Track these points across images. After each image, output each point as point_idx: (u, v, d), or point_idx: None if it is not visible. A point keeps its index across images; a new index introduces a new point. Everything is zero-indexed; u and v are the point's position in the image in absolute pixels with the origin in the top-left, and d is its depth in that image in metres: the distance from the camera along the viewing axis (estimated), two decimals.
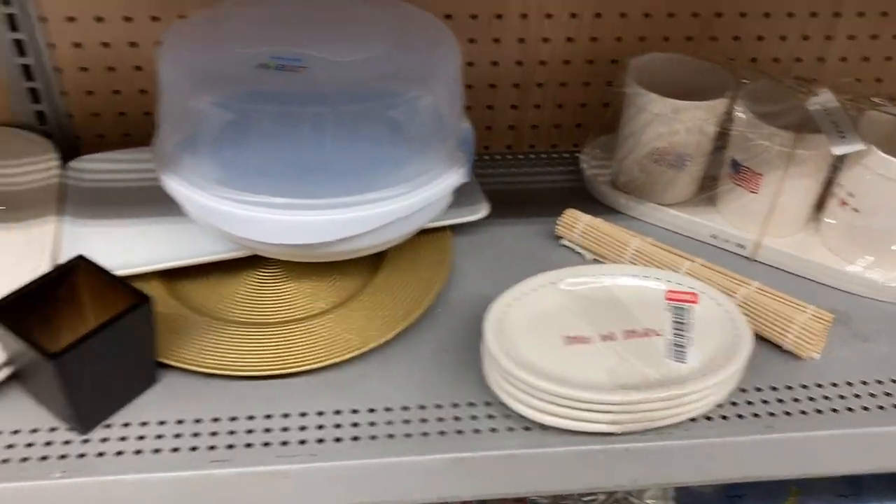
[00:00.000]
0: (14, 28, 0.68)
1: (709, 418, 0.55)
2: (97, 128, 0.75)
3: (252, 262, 0.64)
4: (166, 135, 0.59)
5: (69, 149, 0.73)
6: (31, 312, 0.52)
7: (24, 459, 0.50)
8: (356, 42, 0.58)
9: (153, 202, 0.66)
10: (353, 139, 0.55)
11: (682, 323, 0.57)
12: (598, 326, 0.56)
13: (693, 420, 0.54)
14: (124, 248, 0.62)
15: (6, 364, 0.53)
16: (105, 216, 0.65)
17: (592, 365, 0.53)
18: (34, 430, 0.52)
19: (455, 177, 0.60)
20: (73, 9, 0.68)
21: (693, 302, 0.58)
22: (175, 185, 0.58)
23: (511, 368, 0.51)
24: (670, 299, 0.58)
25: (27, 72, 0.71)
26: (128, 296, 0.52)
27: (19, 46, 0.69)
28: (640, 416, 0.51)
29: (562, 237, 0.69)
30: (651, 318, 0.57)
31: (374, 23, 0.60)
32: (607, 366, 0.53)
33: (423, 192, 0.58)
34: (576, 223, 0.67)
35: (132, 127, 0.76)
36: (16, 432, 0.52)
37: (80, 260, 0.54)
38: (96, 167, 0.70)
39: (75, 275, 0.54)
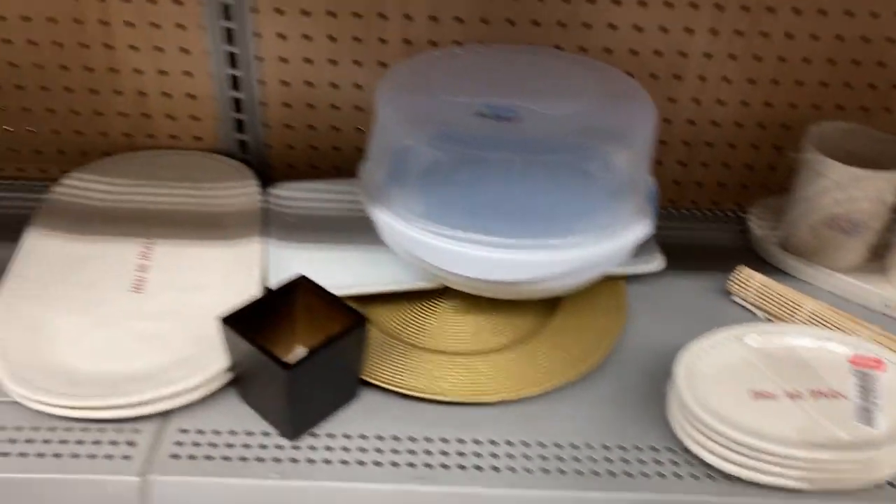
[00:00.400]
0: (233, 65, 0.75)
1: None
2: (290, 159, 0.82)
3: (438, 294, 0.68)
4: (376, 168, 0.64)
5: (263, 176, 0.79)
6: (254, 323, 0.57)
7: (243, 459, 0.54)
8: (561, 97, 0.62)
9: (349, 230, 0.71)
10: (553, 187, 0.59)
11: (868, 388, 0.57)
12: (784, 384, 0.57)
13: (891, 485, 0.54)
14: (325, 271, 0.66)
15: (229, 369, 0.58)
16: (305, 240, 0.70)
17: (780, 421, 0.55)
18: (249, 433, 0.57)
19: (641, 228, 0.63)
20: (287, 51, 0.74)
21: (879, 369, 0.59)
22: (381, 215, 0.62)
23: (702, 416, 0.53)
24: (855, 364, 0.59)
25: (237, 105, 0.78)
26: (346, 316, 0.56)
27: (234, 82, 0.76)
28: (833, 476, 0.52)
29: (733, 293, 0.70)
30: (836, 381, 0.58)
31: (577, 79, 0.64)
32: (795, 423, 0.55)
33: (613, 241, 0.61)
34: (749, 281, 0.69)
35: (321, 160, 0.82)
36: (233, 433, 0.57)
37: (302, 279, 0.59)
38: (294, 195, 0.76)
39: (296, 292, 0.59)
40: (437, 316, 0.67)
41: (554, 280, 0.61)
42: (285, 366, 0.52)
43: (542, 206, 0.59)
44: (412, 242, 0.61)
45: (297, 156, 0.81)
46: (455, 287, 0.64)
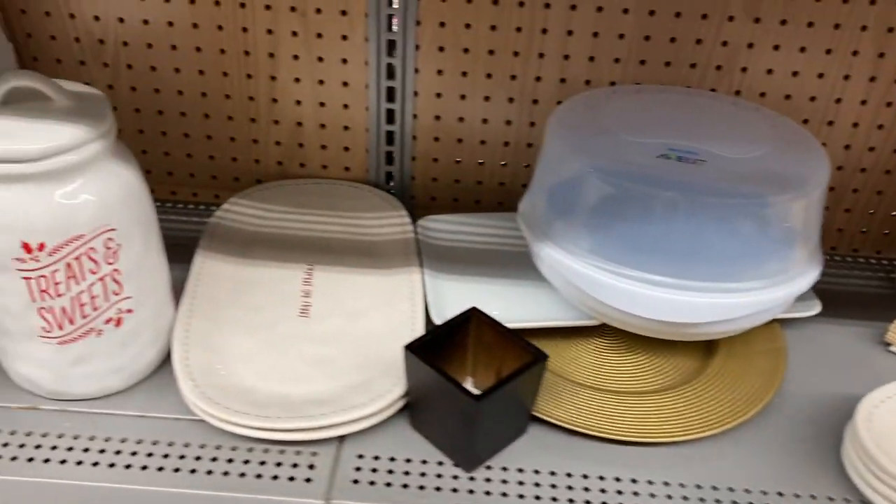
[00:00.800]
0: (391, 99, 0.77)
1: None
2: (432, 191, 0.83)
3: (592, 331, 0.69)
4: (541, 202, 0.65)
5: (405, 207, 0.81)
6: (431, 352, 0.58)
7: (421, 488, 0.55)
8: (740, 141, 0.62)
9: (502, 263, 0.73)
10: (730, 230, 0.59)
11: None
12: None
13: None
14: (482, 305, 0.67)
15: (402, 396, 0.59)
16: (459, 272, 0.72)
17: None
18: (424, 462, 0.58)
19: (812, 276, 0.63)
20: (443, 86, 0.76)
21: None
22: (546, 249, 0.63)
23: (888, 466, 0.52)
24: None
25: (389, 137, 0.80)
26: (524, 350, 0.57)
27: (389, 115, 0.78)
28: None
29: (891, 343, 0.69)
30: None
31: (750, 124, 0.65)
32: None
33: (785, 287, 0.61)
34: None
35: (463, 193, 0.83)
36: (408, 461, 0.58)
37: (475, 311, 0.60)
38: (443, 226, 0.78)
39: (469, 324, 0.60)
40: (595, 353, 0.68)
41: (725, 324, 0.61)
42: (474, 397, 0.52)
43: (717, 248, 0.59)
44: (578, 277, 0.62)
45: (440, 188, 0.83)
46: (617, 325, 0.64)
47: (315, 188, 0.81)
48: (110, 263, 0.55)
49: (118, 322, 0.58)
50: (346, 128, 0.80)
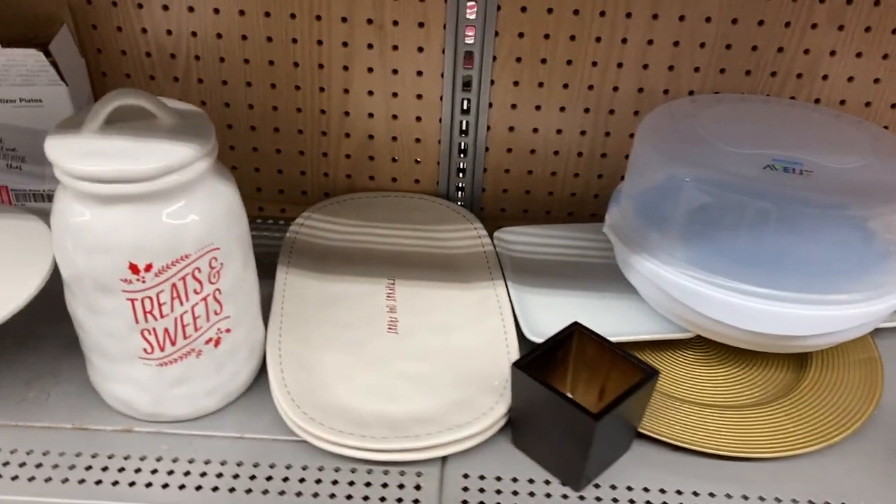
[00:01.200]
0: (465, 111, 0.76)
1: None
2: (502, 202, 0.83)
3: (682, 344, 0.68)
4: (632, 213, 0.64)
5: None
6: (536, 369, 0.57)
7: None
8: (840, 152, 0.62)
9: (584, 275, 0.72)
10: (834, 241, 0.58)
11: None
12: None
13: None
14: (568, 318, 0.66)
15: (506, 413, 0.58)
16: (543, 285, 0.71)
17: None
18: (530, 481, 0.57)
19: None
20: (518, 97, 0.76)
21: None
22: (639, 259, 0.63)
23: None
24: None
25: (462, 149, 0.79)
26: (633, 367, 0.56)
27: (462, 127, 0.78)
28: None
29: None
30: None
31: (846, 134, 0.64)
32: None
33: (888, 300, 0.60)
34: None
35: (533, 204, 0.82)
36: (514, 480, 0.57)
37: (577, 326, 0.59)
38: (519, 238, 0.77)
39: (571, 339, 0.59)
40: (686, 366, 0.67)
41: (827, 336, 0.60)
42: (592, 415, 0.51)
43: (823, 260, 0.59)
44: (677, 289, 0.61)
45: (510, 199, 0.82)
46: (715, 338, 0.63)
47: (385, 201, 0.81)
48: (213, 283, 0.55)
49: (217, 342, 0.57)
50: (417, 140, 0.79)
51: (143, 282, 0.52)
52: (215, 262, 0.54)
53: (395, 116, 0.78)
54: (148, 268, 0.51)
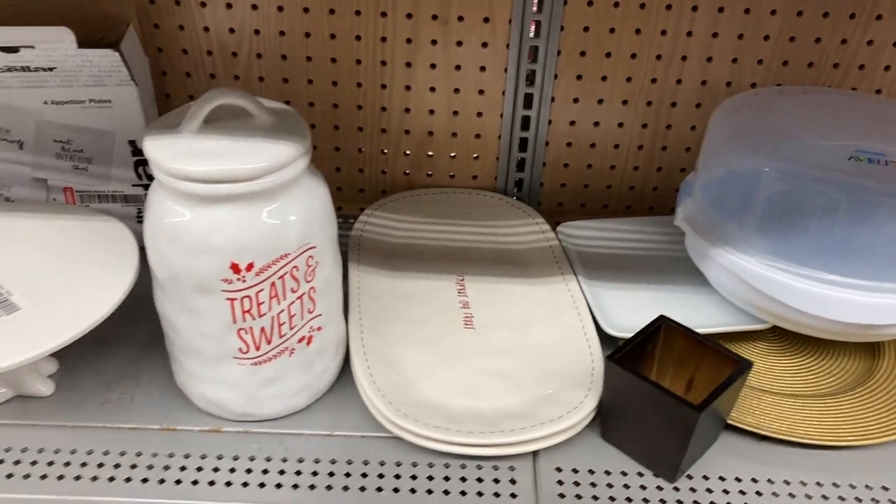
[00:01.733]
0: (528, 106, 0.76)
1: None
2: (560, 196, 0.83)
3: (757, 335, 0.68)
4: (708, 205, 0.65)
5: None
6: (628, 362, 0.57)
7: (629, 500, 0.55)
8: None
9: (653, 268, 0.73)
10: None
11: None
12: None
13: None
14: (643, 311, 0.66)
15: (599, 407, 0.58)
16: (613, 279, 0.71)
17: None
18: (623, 473, 0.57)
19: None
20: (581, 91, 0.76)
21: None
22: (716, 251, 0.63)
23: None
24: None
25: (522, 144, 0.79)
26: (723, 358, 0.56)
27: (524, 122, 0.78)
28: None
29: None
30: None
31: None
32: None
33: None
34: None
35: (591, 198, 0.83)
36: (607, 473, 0.57)
37: (663, 319, 0.59)
38: (583, 233, 0.77)
39: (658, 333, 0.59)
40: (762, 357, 0.67)
41: None
42: (695, 407, 0.52)
43: None
44: (760, 280, 0.61)
45: (568, 193, 0.83)
46: (795, 329, 0.64)
47: (444, 197, 0.81)
48: (308, 281, 0.55)
49: (309, 340, 0.57)
50: (477, 136, 0.79)
51: (244, 281, 0.52)
52: (311, 261, 0.54)
53: (455, 112, 0.78)
54: (249, 267, 0.51)
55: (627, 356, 0.57)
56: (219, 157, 0.49)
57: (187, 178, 0.49)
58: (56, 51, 0.63)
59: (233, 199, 0.50)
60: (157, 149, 0.50)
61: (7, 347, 0.54)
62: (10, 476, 0.55)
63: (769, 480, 0.57)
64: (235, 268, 0.51)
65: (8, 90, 0.66)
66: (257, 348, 0.55)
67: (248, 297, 0.52)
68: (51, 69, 0.65)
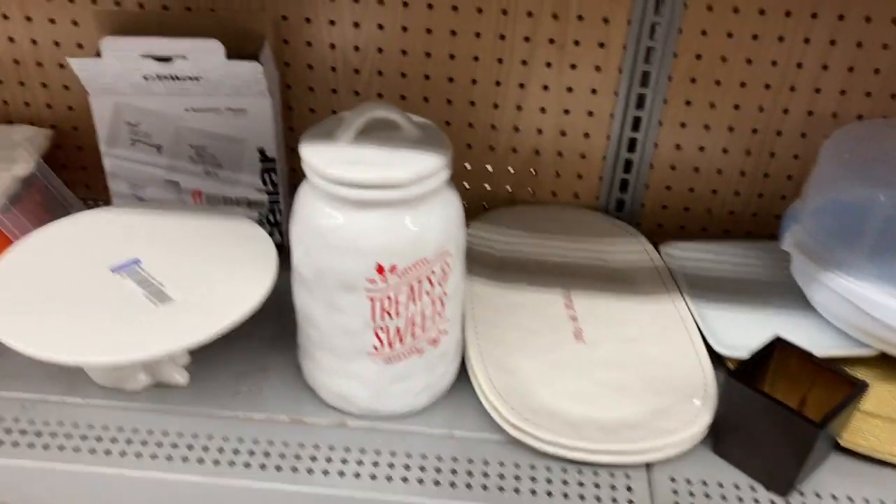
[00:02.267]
0: (635, 128, 0.79)
1: None
2: (660, 218, 0.85)
3: (858, 361, 0.69)
4: (819, 231, 0.66)
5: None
6: (747, 379, 0.59)
7: None
8: None
9: (757, 291, 0.74)
10: None
11: None
12: None
13: None
14: (752, 333, 0.68)
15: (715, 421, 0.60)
16: (719, 300, 0.73)
17: None
18: (736, 486, 0.59)
19: None
20: (689, 117, 0.78)
21: None
22: (832, 276, 0.65)
23: None
24: None
25: (626, 166, 0.82)
26: (839, 379, 0.58)
27: (630, 144, 0.80)
28: None
29: None
30: None
31: None
32: None
33: None
34: None
35: (690, 221, 0.85)
36: (720, 485, 0.59)
37: (778, 340, 0.61)
38: (686, 254, 0.79)
39: (772, 352, 0.61)
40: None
41: None
42: (817, 424, 0.53)
43: None
44: (870, 304, 0.62)
45: (669, 216, 0.85)
46: None
47: (545, 213, 0.83)
48: (441, 286, 0.58)
49: (436, 342, 0.60)
50: (582, 156, 0.82)
51: (386, 282, 0.55)
52: (446, 267, 0.57)
53: (563, 133, 0.80)
54: (392, 269, 0.54)
55: (744, 373, 0.59)
56: (374, 166, 0.53)
57: (344, 183, 0.52)
58: (205, 62, 0.68)
59: (382, 204, 0.53)
60: (315, 155, 0.54)
61: (162, 336, 0.58)
62: (154, 457, 0.59)
63: (881, 501, 0.58)
64: (380, 269, 0.54)
65: (155, 97, 0.71)
66: (391, 346, 0.58)
67: (388, 297, 0.56)
68: (197, 78, 0.69)
